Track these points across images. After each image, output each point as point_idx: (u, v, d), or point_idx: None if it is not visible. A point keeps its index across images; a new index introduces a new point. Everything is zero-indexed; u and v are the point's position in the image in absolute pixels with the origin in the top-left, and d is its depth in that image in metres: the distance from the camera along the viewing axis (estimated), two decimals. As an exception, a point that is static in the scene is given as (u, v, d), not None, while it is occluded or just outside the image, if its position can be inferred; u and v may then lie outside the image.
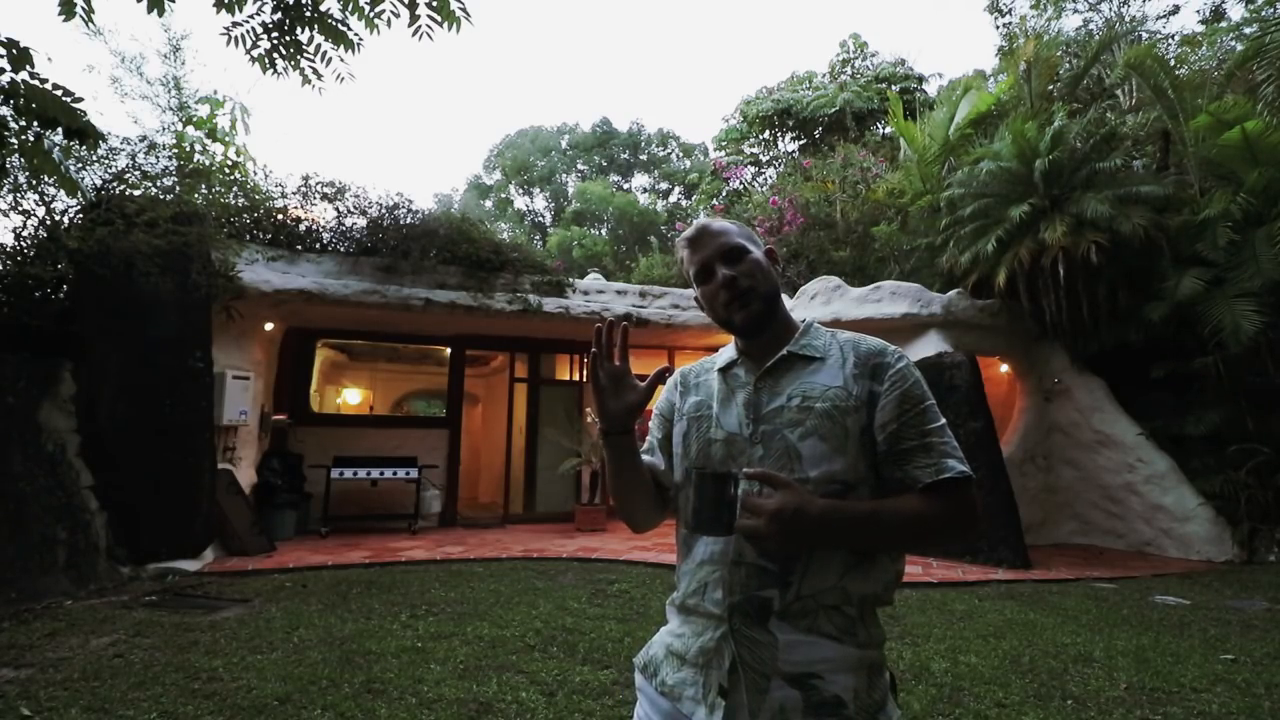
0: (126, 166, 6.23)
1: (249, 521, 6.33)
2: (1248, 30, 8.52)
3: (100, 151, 5.87)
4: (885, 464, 1.01)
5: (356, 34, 3.08)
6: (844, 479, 1.00)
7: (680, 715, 1.02)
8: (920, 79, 16.24)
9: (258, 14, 2.96)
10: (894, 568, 1.03)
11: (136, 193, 6.02)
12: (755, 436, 1.04)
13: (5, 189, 5.40)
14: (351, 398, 11.25)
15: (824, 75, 17.80)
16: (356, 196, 7.83)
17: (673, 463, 1.17)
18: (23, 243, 5.58)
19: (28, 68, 2.38)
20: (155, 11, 2.88)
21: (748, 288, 1.09)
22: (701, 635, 1.03)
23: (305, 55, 3.11)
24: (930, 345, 6.88)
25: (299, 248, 7.26)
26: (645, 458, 1.18)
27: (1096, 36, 11.62)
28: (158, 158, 6.55)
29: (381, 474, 7.68)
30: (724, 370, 1.15)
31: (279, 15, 2.98)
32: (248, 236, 6.95)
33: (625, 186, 27.75)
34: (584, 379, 9.53)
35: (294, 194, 7.62)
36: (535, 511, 8.96)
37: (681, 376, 1.23)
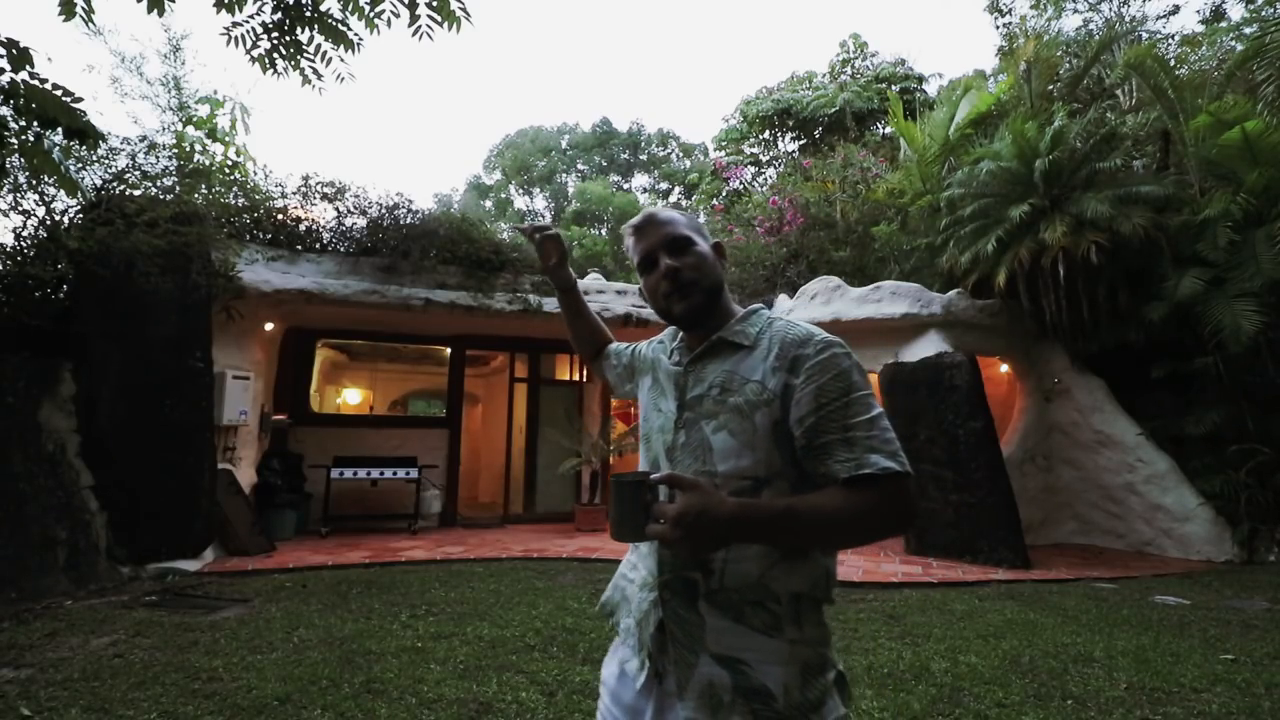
0: (126, 166, 6.23)
1: (249, 521, 6.33)
2: (1248, 30, 8.52)
3: (100, 151, 5.87)
4: (806, 459, 0.97)
5: (356, 34, 3.08)
6: (754, 474, 0.98)
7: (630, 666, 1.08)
8: (920, 79, 16.23)
9: (258, 14, 2.96)
10: (824, 563, 1.00)
11: (136, 193, 6.03)
12: (680, 422, 1.07)
13: (5, 189, 5.40)
14: (351, 398, 11.26)
15: (824, 75, 17.80)
16: (356, 196, 7.83)
17: (625, 375, 1.40)
18: (23, 243, 5.58)
19: (28, 68, 2.38)
20: (155, 11, 2.87)
21: (690, 280, 1.08)
22: (642, 591, 1.08)
23: (305, 55, 3.11)
24: (930, 345, 6.88)
25: (299, 248, 7.26)
26: (610, 339, 1.51)
27: (1096, 36, 11.61)
28: (158, 158, 6.55)
29: (381, 474, 7.68)
30: (676, 349, 1.18)
31: (279, 15, 2.98)
32: (248, 236, 6.95)
33: (625, 186, 27.77)
34: (584, 379, 9.53)
35: (294, 194, 7.62)
36: (535, 511, 8.96)
37: (662, 337, 1.28)
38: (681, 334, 1.17)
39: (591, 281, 8.72)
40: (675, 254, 1.10)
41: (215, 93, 7.57)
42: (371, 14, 3.00)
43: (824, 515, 0.91)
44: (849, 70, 17.42)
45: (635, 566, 1.13)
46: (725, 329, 1.09)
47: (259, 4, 2.95)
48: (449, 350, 8.98)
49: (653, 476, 0.92)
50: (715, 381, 1.05)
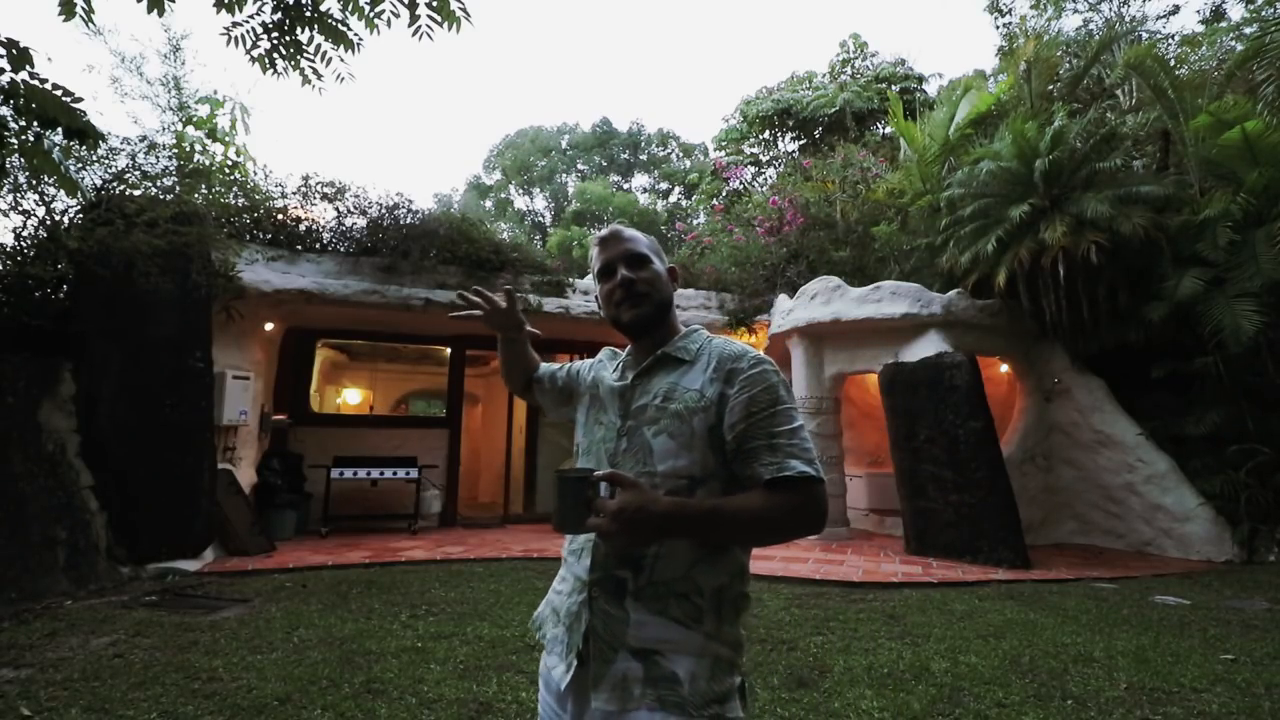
0: (126, 166, 6.22)
1: (249, 521, 6.33)
2: (1248, 30, 8.52)
3: (100, 151, 5.86)
4: (735, 461, 1.07)
5: (356, 34, 3.09)
6: (690, 474, 1.07)
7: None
8: (920, 79, 16.23)
9: (258, 14, 2.97)
10: (741, 559, 1.11)
11: (136, 193, 6.02)
12: (623, 430, 1.16)
13: (5, 189, 5.39)
14: (351, 398, 11.26)
15: (824, 75, 17.80)
16: (356, 196, 7.83)
17: (561, 393, 1.42)
18: (23, 243, 5.58)
19: (28, 68, 2.38)
20: (155, 11, 2.88)
21: (642, 293, 1.20)
22: (571, 596, 1.13)
23: (305, 55, 3.11)
24: (930, 345, 6.87)
25: (299, 248, 7.26)
26: (540, 360, 1.53)
27: (1096, 36, 11.61)
28: (158, 158, 6.54)
29: (381, 474, 7.68)
30: (620, 366, 1.28)
31: (279, 15, 2.98)
32: (248, 236, 6.95)
33: (625, 186, 27.77)
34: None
35: (294, 194, 7.62)
36: (535, 511, 8.96)
37: (600, 358, 1.37)
38: (626, 352, 1.28)
39: (591, 282, 8.71)
40: (633, 267, 1.21)
41: (215, 93, 7.54)
42: (371, 14, 3.00)
43: (746, 514, 1.01)
44: (849, 70, 17.42)
45: (564, 578, 1.18)
46: (669, 345, 1.20)
47: (259, 4, 2.95)
48: (449, 350, 8.98)
49: (595, 474, 0.99)
50: (659, 392, 1.14)
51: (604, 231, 1.28)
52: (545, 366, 1.52)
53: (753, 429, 1.05)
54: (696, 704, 0.99)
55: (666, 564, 1.05)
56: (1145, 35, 11.67)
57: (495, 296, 1.42)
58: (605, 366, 1.31)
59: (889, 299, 7.23)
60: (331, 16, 3.03)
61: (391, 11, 2.98)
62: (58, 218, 5.70)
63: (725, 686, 1.03)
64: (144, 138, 6.52)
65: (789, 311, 8.02)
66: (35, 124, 2.52)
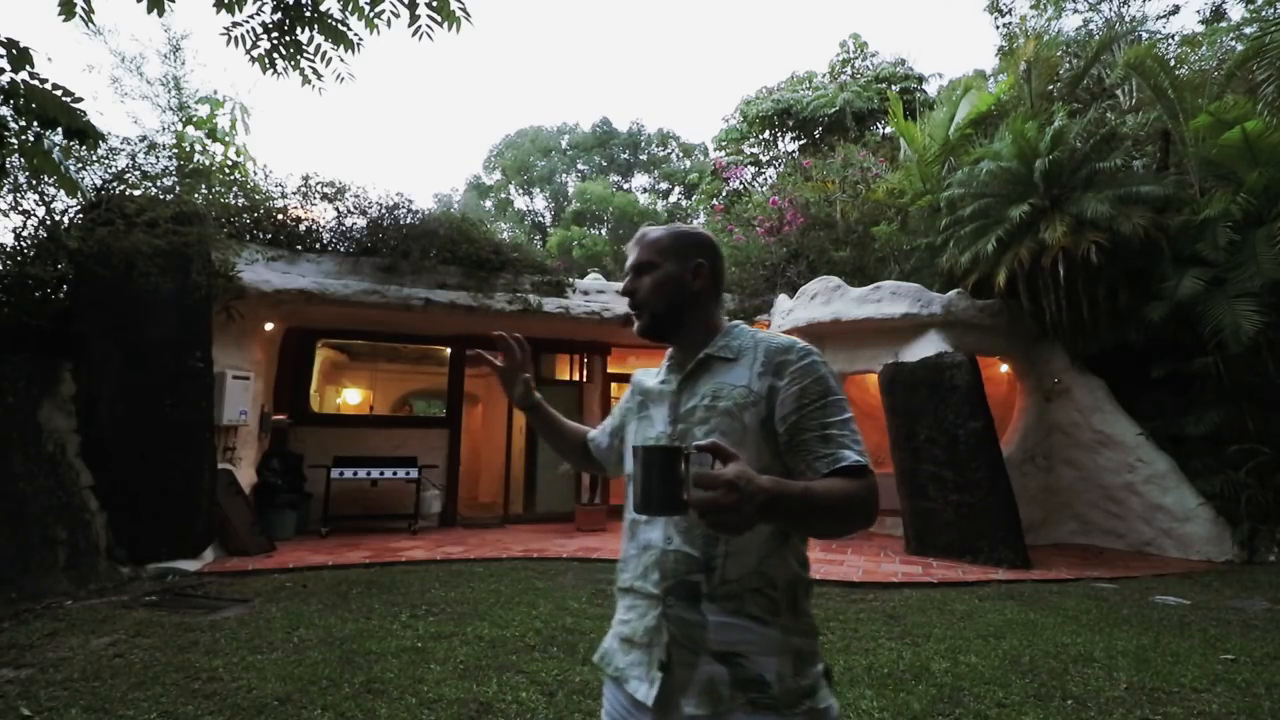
0: (126, 166, 6.23)
1: (249, 521, 6.33)
2: (1248, 30, 8.52)
3: (100, 151, 5.86)
4: (788, 453, 1.06)
5: (356, 34, 3.09)
6: None
7: (628, 694, 1.09)
8: (920, 79, 16.23)
9: (258, 14, 2.97)
10: (801, 546, 1.11)
11: (136, 193, 6.02)
12: (674, 435, 1.15)
13: (5, 189, 5.39)
14: (351, 398, 11.26)
15: (824, 75, 17.79)
16: (356, 196, 7.83)
17: (613, 444, 1.42)
18: (23, 243, 5.58)
19: (28, 68, 2.38)
20: (155, 11, 2.88)
21: (640, 303, 1.22)
22: (645, 616, 1.10)
23: (305, 55, 3.11)
24: (930, 345, 6.87)
25: (299, 248, 7.26)
26: (588, 430, 1.53)
27: (1096, 36, 11.61)
28: (158, 158, 6.55)
29: (381, 474, 7.68)
30: (664, 370, 1.27)
31: (279, 15, 2.98)
32: (248, 236, 6.95)
33: (625, 186, 27.77)
34: (584, 379, 9.53)
35: (294, 194, 7.62)
36: (535, 511, 8.96)
37: (637, 379, 1.34)
38: (668, 356, 1.27)
39: (591, 282, 8.72)
40: (636, 276, 1.22)
41: (215, 93, 7.55)
42: (371, 14, 3.00)
43: (831, 498, 0.97)
44: (849, 70, 17.41)
45: (631, 606, 1.14)
46: (711, 346, 1.18)
47: (259, 4, 2.95)
48: (449, 350, 8.98)
49: (696, 444, 0.93)
50: (706, 393, 1.14)
51: (635, 235, 1.29)
52: (591, 432, 1.52)
53: (804, 420, 1.05)
54: (789, 702, 1.00)
55: (736, 561, 1.04)
56: (1145, 35, 11.67)
57: (516, 347, 1.53)
58: (645, 381, 1.30)
59: (889, 299, 7.23)
60: (331, 16, 3.03)
61: (391, 11, 2.98)
62: (58, 218, 5.70)
63: (812, 679, 1.03)
64: (144, 138, 6.52)
65: (789, 311, 8.02)
66: (35, 124, 2.52)
